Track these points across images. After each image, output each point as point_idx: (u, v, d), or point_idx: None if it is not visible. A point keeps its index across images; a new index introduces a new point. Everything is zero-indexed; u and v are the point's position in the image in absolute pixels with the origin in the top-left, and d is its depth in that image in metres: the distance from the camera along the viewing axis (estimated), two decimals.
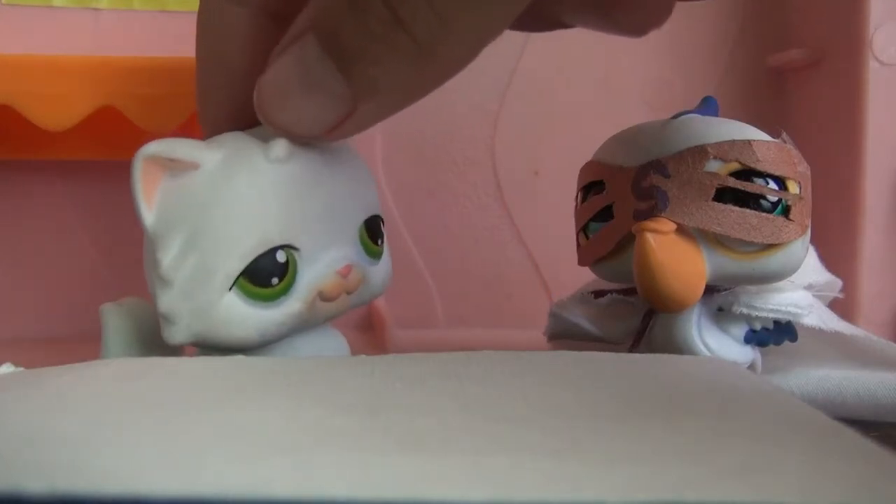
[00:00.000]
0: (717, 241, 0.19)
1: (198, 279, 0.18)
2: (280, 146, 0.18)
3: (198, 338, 0.18)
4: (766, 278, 0.20)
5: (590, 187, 0.22)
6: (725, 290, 0.21)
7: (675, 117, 0.21)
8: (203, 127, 0.20)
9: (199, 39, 0.21)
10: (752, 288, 0.21)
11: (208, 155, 0.18)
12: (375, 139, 0.34)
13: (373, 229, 0.20)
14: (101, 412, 0.13)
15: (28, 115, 0.27)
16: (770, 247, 0.19)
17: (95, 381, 0.15)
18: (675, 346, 0.20)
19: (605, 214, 0.21)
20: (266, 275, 0.18)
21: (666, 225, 0.19)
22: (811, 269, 0.22)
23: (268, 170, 0.18)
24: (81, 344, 0.22)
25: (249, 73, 0.18)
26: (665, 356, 0.18)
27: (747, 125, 0.20)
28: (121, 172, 0.33)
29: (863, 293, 0.28)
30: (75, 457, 0.10)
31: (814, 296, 0.22)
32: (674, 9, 0.22)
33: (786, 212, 0.19)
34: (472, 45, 0.16)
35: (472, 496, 0.09)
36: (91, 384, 0.15)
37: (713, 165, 0.19)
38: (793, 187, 0.20)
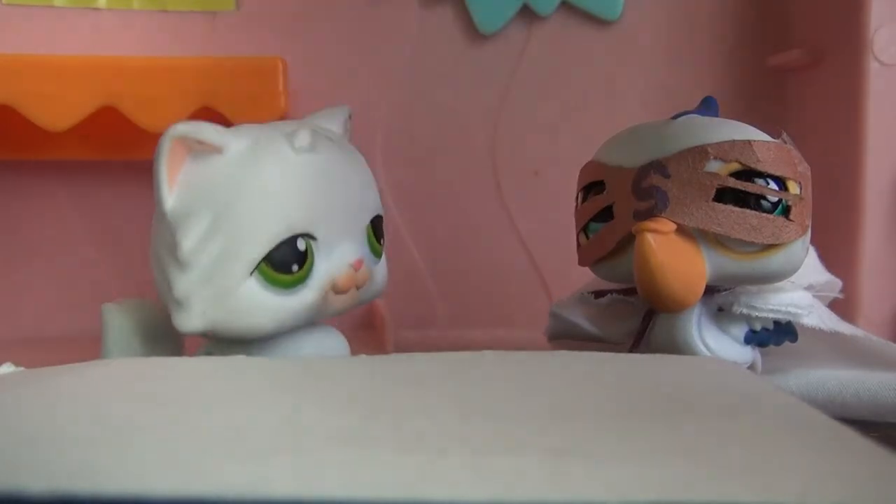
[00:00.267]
0: (717, 241, 0.19)
1: (220, 263, 0.18)
2: (304, 135, 0.19)
3: (212, 325, 0.18)
4: (767, 278, 0.20)
5: (590, 188, 0.22)
6: (725, 290, 0.21)
7: (675, 117, 0.21)
8: None
9: None
10: (752, 288, 0.21)
11: (234, 141, 0.18)
12: (375, 139, 0.34)
13: (377, 228, 0.21)
14: (101, 412, 0.13)
15: (28, 114, 0.27)
16: (770, 247, 0.19)
17: (96, 381, 0.15)
18: (675, 346, 0.20)
19: (606, 215, 0.21)
20: (287, 261, 0.18)
21: (666, 225, 0.19)
22: (811, 269, 0.22)
23: (293, 158, 0.19)
24: (82, 344, 0.22)
25: None
26: (665, 356, 0.18)
27: (747, 125, 0.20)
28: (121, 172, 0.33)
29: (863, 293, 0.28)
30: (76, 457, 0.10)
31: (814, 296, 0.22)
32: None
33: (786, 212, 0.19)
34: None
35: (472, 496, 0.09)
36: (91, 384, 0.15)
37: (713, 166, 0.19)
38: (793, 188, 0.20)
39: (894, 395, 0.20)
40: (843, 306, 0.24)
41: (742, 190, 0.19)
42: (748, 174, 0.19)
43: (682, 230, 0.19)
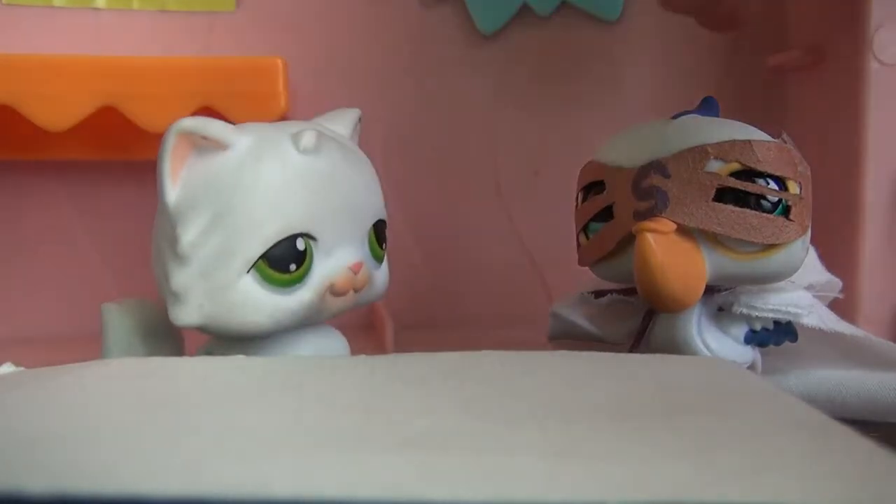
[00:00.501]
0: (717, 241, 0.19)
1: (218, 259, 0.18)
2: (309, 136, 0.19)
3: (208, 320, 0.18)
4: (767, 278, 0.20)
5: (590, 188, 0.22)
6: (725, 290, 0.21)
7: (675, 117, 0.21)
8: None
9: None
10: (753, 288, 0.21)
11: (239, 138, 0.19)
12: (375, 139, 0.34)
13: (379, 233, 0.21)
14: (101, 412, 0.13)
15: (28, 114, 0.27)
16: (770, 247, 0.19)
17: (96, 380, 0.15)
18: (675, 346, 0.20)
19: (606, 215, 0.21)
20: (285, 260, 0.18)
21: (666, 225, 0.19)
22: (811, 269, 0.22)
23: (296, 159, 0.19)
24: (82, 344, 0.22)
25: None
26: (665, 356, 0.18)
27: (748, 125, 0.20)
28: (121, 172, 0.33)
29: (863, 293, 0.28)
30: (76, 456, 0.10)
31: (814, 296, 0.22)
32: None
33: (786, 212, 0.19)
34: None
35: (472, 496, 0.09)
36: (91, 384, 0.15)
37: (713, 165, 0.19)
38: (793, 187, 0.20)
39: (894, 395, 0.20)
40: (843, 306, 0.24)
41: (742, 190, 0.19)
42: (748, 174, 0.19)
43: (682, 230, 0.19)
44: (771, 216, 0.19)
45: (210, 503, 0.09)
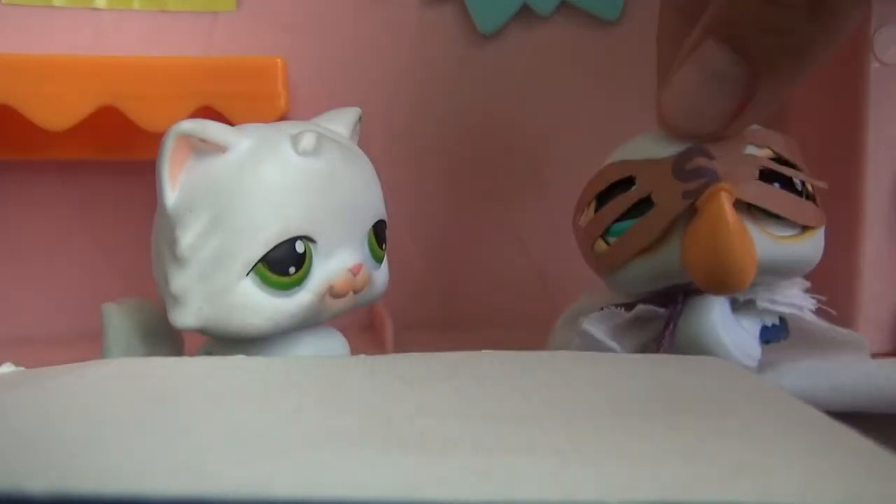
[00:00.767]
0: (758, 223, 0.19)
1: (217, 261, 0.18)
2: (308, 138, 0.19)
3: (207, 323, 0.18)
4: (797, 265, 0.20)
5: (608, 192, 0.21)
6: None
7: None
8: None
9: None
10: (766, 282, 0.21)
11: (237, 140, 0.19)
12: (375, 139, 0.34)
13: (379, 234, 0.21)
14: (101, 412, 0.13)
15: (28, 114, 0.27)
16: (804, 231, 0.20)
17: (96, 380, 0.15)
18: (701, 345, 0.20)
19: (636, 210, 0.20)
20: (284, 263, 0.18)
21: (732, 189, 0.19)
22: None
23: (295, 161, 0.19)
24: (82, 344, 0.22)
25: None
26: (665, 356, 0.18)
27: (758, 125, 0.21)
28: (121, 172, 0.33)
29: (863, 293, 0.28)
30: (76, 457, 0.10)
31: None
32: None
33: (811, 199, 0.20)
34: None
35: (472, 496, 0.09)
36: (92, 384, 0.15)
37: (751, 150, 0.20)
38: (807, 177, 0.20)
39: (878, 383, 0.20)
40: (843, 306, 0.24)
41: (777, 174, 0.20)
42: (778, 160, 0.20)
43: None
44: (804, 200, 0.20)
45: (210, 503, 0.09)
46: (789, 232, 0.20)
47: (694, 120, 0.20)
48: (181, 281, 0.18)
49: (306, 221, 0.19)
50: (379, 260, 0.21)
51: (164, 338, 0.21)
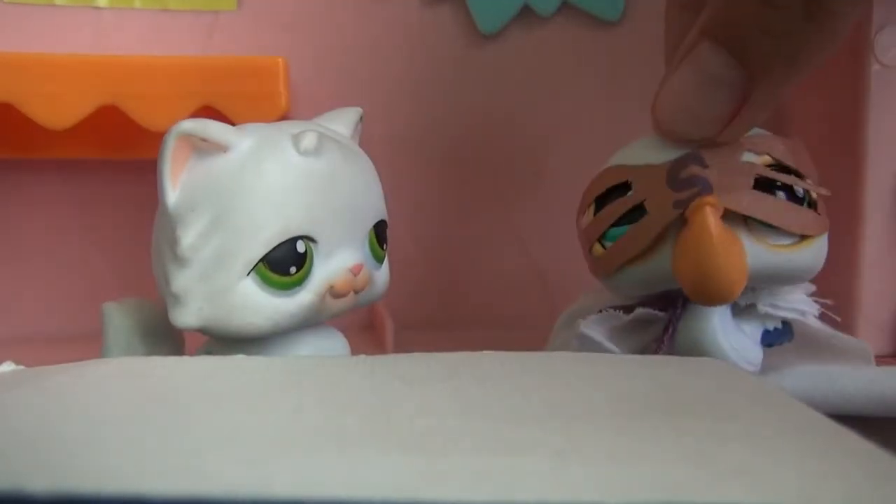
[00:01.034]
0: (754, 231, 0.19)
1: (218, 261, 0.18)
2: (309, 138, 0.19)
3: (207, 322, 0.18)
4: (795, 274, 0.20)
5: (606, 196, 0.21)
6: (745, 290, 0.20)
7: None
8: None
9: None
10: (767, 288, 0.21)
11: (238, 140, 0.19)
12: (375, 138, 0.34)
13: (380, 234, 0.21)
14: (101, 411, 0.13)
15: (29, 113, 0.27)
16: (802, 241, 0.20)
17: (96, 380, 0.15)
18: (700, 348, 0.20)
19: (631, 216, 0.20)
20: (285, 263, 0.18)
21: (718, 202, 0.19)
22: None
23: (296, 160, 0.19)
24: (82, 343, 0.22)
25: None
26: (665, 357, 0.18)
27: (758, 127, 0.21)
28: (121, 171, 0.33)
29: (863, 294, 0.28)
30: (76, 456, 0.10)
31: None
32: None
33: (812, 206, 0.20)
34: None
35: (472, 496, 0.09)
36: (92, 383, 0.15)
37: (748, 157, 0.20)
38: (811, 184, 0.20)
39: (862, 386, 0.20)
40: (843, 307, 0.24)
41: (775, 182, 0.19)
42: (778, 167, 0.20)
43: (722, 219, 0.19)
44: (803, 208, 0.20)
45: (210, 503, 0.09)
46: (786, 241, 0.19)
47: (689, 124, 0.20)
48: (182, 280, 0.18)
49: (307, 221, 0.19)
50: (379, 260, 0.21)
51: (165, 337, 0.21)
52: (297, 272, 0.19)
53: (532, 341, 0.24)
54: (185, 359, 0.17)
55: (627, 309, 0.21)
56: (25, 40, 0.31)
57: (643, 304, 0.21)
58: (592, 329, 0.21)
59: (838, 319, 0.22)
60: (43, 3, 0.32)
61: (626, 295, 0.22)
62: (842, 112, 0.29)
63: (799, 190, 0.20)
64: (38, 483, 0.09)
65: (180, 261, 0.18)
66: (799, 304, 0.21)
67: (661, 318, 0.21)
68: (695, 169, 0.19)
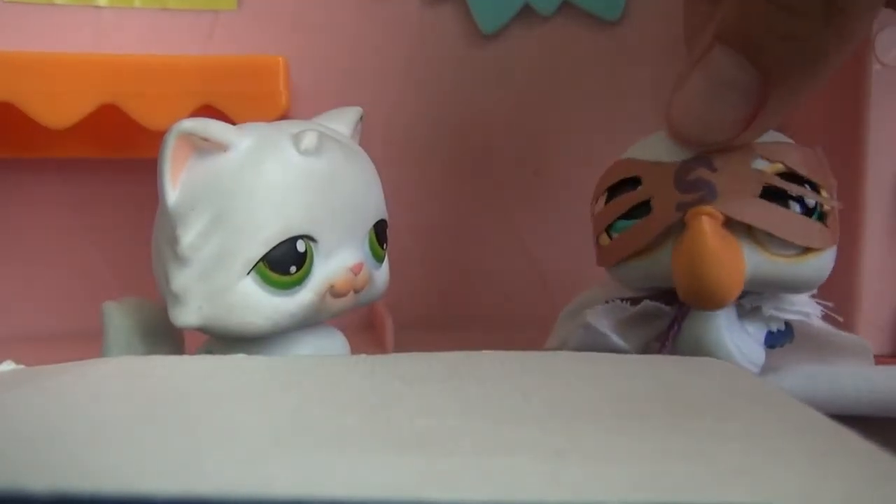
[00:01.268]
0: (757, 239, 0.19)
1: (218, 260, 0.18)
2: (310, 138, 0.19)
3: (207, 321, 0.18)
4: (797, 284, 0.20)
5: (618, 187, 0.21)
6: (749, 292, 0.20)
7: None
8: None
9: None
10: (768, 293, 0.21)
11: (239, 139, 0.19)
12: (376, 138, 0.34)
13: (380, 233, 0.21)
14: (101, 411, 0.13)
15: (29, 112, 0.27)
16: (806, 252, 0.19)
17: (96, 379, 0.15)
18: (705, 348, 0.20)
19: (638, 211, 0.20)
20: (285, 262, 0.18)
21: (718, 213, 0.19)
22: None
23: (297, 160, 0.19)
24: (82, 342, 0.22)
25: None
26: (666, 357, 0.18)
27: (778, 132, 0.20)
28: (122, 170, 0.33)
29: (863, 295, 0.28)
30: (76, 455, 0.10)
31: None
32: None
33: (822, 218, 0.20)
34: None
35: (472, 496, 0.09)
36: (92, 383, 0.15)
37: (759, 164, 0.19)
38: (826, 196, 0.20)
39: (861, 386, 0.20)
40: (843, 308, 0.24)
41: (785, 191, 0.19)
42: (790, 177, 0.19)
43: (725, 225, 0.19)
44: (811, 220, 0.19)
45: (210, 503, 0.09)
46: (790, 251, 0.19)
47: (703, 129, 0.19)
48: (182, 280, 0.18)
49: (307, 221, 0.19)
50: (380, 259, 0.21)
51: (165, 337, 0.21)
52: (297, 271, 0.19)
53: (532, 341, 0.24)
54: (186, 358, 0.17)
55: (634, 301, 0.21)
56: (25, 39, 0.31)
57: (650, 297, 0.21)
58: (598, 320, 0.21)
59: (841, 320, 0.22)
60: (43, 3, 0.32)
61: (630, 286, 0.22)
62: (842, 112, 0.29)
63: (810, 201, 0.19)
64: (38, 483, 0.09)
65: (180, 260, 0.18)
66: (803, 307, 0.21)
67: (668, 312, 0.21)
68: (702, 172, 0.19)
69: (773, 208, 0.19)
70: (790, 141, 0.20)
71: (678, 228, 0.19)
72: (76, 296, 0.33)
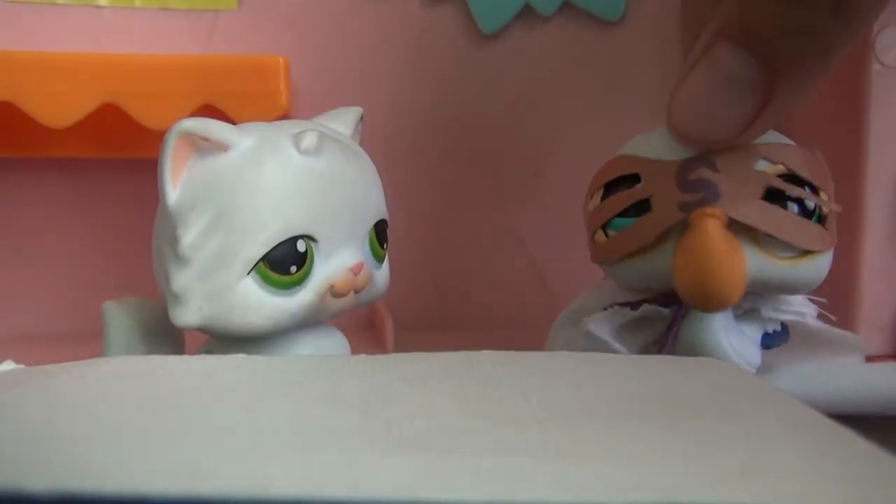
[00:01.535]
0: (757, 241, 0.19)
1: (218, 260, 0.18)
2: (310, 138, 0.19)
3: (207, 322, 0.18)
4: (795, 286, 0.20)
5: (616, 183, 0.21)
6: (747, 293, 0.20)
7: None
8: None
9: None
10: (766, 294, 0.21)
11: (239, 139, 0.19)
12: (376, 138, 0.34)
13: (380, 233, 0.21)
14: (101, 410, 0.13)
15: (30, 112, 0.27)
16: (804, 255, 0.19)
17: (96, 379, 0.15)
18: (703, 349, 0.20)
19: (637, 210, 0.20)
20: (286, 262, 0.18)
21: (724, 215, 0.18)
22: None
23: (297, 160, 0.19)
24: (82, 342, 0.22)
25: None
26: (665, 357, 0.18)
27: (778, 133, 0.20)
28: (122, 170, 0.33)
29: (863, 295, 0.28)
30: (76, 455, 0.10)
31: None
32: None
33: (821, 221, 0.20)
34: None
35: (472, 497, 0.09)
36: (92, 382, 0.15)
37: (761, 165, 0.19)
38: (825, 199, 0.20)
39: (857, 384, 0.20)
40: (843, 308, 0.24)
41: (786, 193, 0.19)
42: (791, 178, 0.19)
43: (727, 226, 0.19)
44: (810, 222, 0.19)
45: (210, 503, 0.09)
46: (789, 253, 0.19)
47: (706, 126, 0.19)
48: (182, 279, 0.18)
49: (307, 220, 0.19)
50: (380, 259, 0.21)
51: (165, 336, 0.21)
52: (297, 271, 0.19)
53: (532, 341, 0.24)
54: (186, 358, 0.17)
55: (634, 305, 0.21)
56: (25, 39, 0.31)
57: (649, 300, 0.21)
58: (599, 327, 0.21)
59: (833, 319, 0.22)
60: (43, 3, 0.32)
61: (625, 285, 0.22)
62: (842, 112, 0.29)
63: (810, 203, 0.19)
64: (39, 483, 0.09)
65: (180, 260, 0.18)
66: (800, 307, 0.21)
67: (666, 315, 0.21)
68: (704, 172, 0.19)
69: (775, 210, 0.19)
70: (791, 142, 0.20)
71: (679, 229, 0.19)
72: (76, 296, 0.33)
